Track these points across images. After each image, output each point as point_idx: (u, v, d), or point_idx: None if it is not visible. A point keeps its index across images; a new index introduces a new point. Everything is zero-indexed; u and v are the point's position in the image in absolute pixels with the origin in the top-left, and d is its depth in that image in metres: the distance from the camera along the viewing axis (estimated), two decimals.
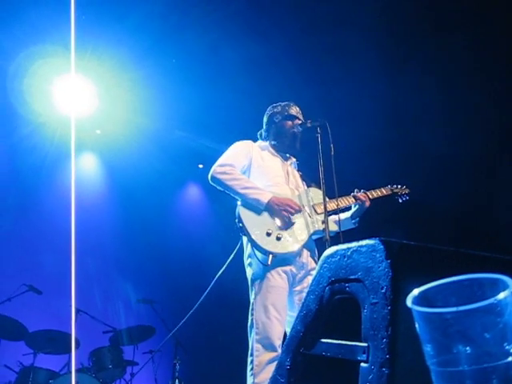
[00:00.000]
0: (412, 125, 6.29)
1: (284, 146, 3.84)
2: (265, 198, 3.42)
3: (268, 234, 3.34)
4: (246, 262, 3.51)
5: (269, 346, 3.19)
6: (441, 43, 5.84)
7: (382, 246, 1.39)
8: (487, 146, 6.09)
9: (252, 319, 3.32)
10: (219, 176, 3.53)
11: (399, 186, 4.08)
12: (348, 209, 3.81)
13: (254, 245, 3.33)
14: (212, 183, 3.59)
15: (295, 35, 5.96)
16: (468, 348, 0.88)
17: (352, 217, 3.78)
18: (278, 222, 3.41)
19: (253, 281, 3.40)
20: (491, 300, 0.85)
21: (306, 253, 3.49)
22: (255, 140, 3.95)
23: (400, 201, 4.10)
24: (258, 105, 4.23)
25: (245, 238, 3.48)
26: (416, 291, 0.94)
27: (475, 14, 5.54)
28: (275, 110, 3.92)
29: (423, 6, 5.58)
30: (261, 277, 3.35)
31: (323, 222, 3.38)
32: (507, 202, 5.73)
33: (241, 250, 3.58)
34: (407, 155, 6.52)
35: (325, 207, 3.35)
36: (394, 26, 5.75)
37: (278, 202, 3.42)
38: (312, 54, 6.18)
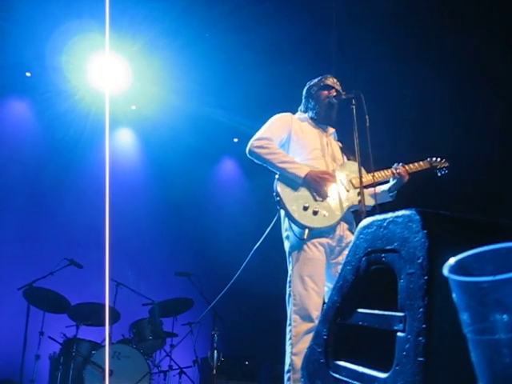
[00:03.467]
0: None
1: (321, 116, 3.81)
2: (302, 173, 3.43)
3: (305, 209, 3.37)
4: (284, 234, 3.54)
5: (306, 317, 3.23)
6: (456, 39, 5.79)
7: (418, 217, 1.38)
8: None
9: (290, 291, 3.36)
10: (256, 150, 3.54)
11: (438, 160, 4.01)
12: (386, 182, 3.79)
13: (291, 219, 3.37)
14: (249, 157, 3.61)
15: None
16: (505, 316, 0.88)
17: (389, 190, 3.76)
18: (315, 196, 3.43)
19: (290, 253, 3.43)
20: None
21: (343, 226, 3.51)
22: (294, 113, 3.93)
23: (439, 174, 4.03)
24: (289, 82, 4.22)
25: (282, 212, 3.50)
26: (452, 260, 0.94)
27: (490, 10, 5.44)
28: (312, 82, 3.91)
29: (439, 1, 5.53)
30: (298, 249, 3.38)
31: (359, 195, 3.38)
32: None
33: (278, 223, 3.60)
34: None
35: (360, 180, 3.34)
36: (407, 20, 5.73)
37: (314, 176, 3.42)
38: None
